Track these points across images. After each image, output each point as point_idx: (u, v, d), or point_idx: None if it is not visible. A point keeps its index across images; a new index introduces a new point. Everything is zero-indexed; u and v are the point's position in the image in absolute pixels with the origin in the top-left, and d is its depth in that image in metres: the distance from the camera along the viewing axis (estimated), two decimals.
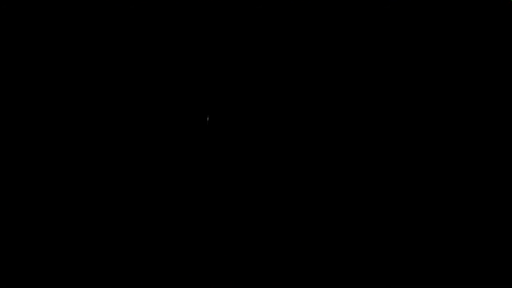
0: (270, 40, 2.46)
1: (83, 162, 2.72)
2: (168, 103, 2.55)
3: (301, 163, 2.74)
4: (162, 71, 2.53)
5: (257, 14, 2.44)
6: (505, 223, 1.94)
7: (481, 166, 2.06)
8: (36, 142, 2.62)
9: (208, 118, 2.57)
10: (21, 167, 2.61)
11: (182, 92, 2.56)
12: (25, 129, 2.60)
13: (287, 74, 2.44)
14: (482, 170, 2.05)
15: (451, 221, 2.23)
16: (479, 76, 2.01)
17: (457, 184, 2.16)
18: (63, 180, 2.68)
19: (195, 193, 2.69)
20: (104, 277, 2.42)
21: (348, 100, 2.45)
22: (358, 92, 2.52)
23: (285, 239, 2.53)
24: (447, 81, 2.21)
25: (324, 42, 2.42)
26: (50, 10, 2.56)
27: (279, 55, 2.47)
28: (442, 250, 2.29)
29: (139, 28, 2.52)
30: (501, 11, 1.87)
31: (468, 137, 2.11)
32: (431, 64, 2.28)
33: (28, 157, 2.62)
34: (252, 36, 2.45)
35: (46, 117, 2.58)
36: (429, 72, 2.30)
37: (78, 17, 2.53)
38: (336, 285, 2.38)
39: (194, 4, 2.48)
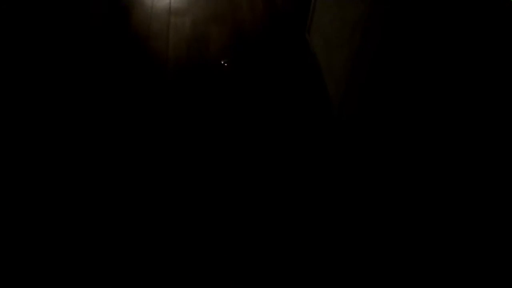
0: None
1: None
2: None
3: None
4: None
5: None
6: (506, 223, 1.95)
7: (481, 166, 2.07)
8: None
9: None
10: None
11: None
12: None
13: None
14: (482, 170, 2.06)
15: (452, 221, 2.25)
16: (479, 76, 2.00)
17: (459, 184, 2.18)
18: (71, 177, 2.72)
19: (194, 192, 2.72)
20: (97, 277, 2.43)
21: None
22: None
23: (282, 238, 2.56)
24: (447, 81, 2.21)
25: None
26: None
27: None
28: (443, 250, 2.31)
29: None
30: (501, 11, 1.84)
31: (467, 136, 2.12)
32: (431, 63, 2.29)
33: None
34: None
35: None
36: (428, 72, 2.31)
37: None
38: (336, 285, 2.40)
39: None
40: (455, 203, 2.18)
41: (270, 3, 4.51)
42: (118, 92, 3.35)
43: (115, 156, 2.91)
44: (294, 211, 2.69)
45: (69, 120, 3.09)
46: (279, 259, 2.47)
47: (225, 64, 3.75)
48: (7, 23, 2.73)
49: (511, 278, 1.93)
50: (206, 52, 3.82)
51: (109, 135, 3.03)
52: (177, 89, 3.41)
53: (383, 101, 2.76)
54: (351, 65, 2.89)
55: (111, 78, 3.46)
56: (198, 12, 4.28)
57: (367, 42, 2.71)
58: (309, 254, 2.49)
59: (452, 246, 2.21)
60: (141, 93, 3.35)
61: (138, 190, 2.74)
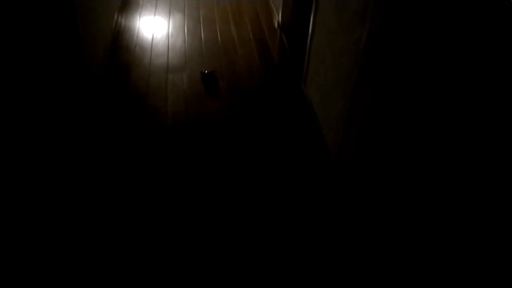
0: None
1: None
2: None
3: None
4: None
5: None
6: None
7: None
8: None
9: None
10: None
11: None
12: None
13: None
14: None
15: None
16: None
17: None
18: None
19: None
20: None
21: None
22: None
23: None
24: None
25: None
26: None
27: None
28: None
29: None
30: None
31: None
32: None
33: None
34: None
35: None
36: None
37: None
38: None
39: None
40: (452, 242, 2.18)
41: (266, 57, 4.61)
42: (119, 150, 3.38)
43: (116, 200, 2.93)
44: (293, 254, 2.68)
45: (69, 170, 3.12)
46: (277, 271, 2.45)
47: (205, 72, 4.21)
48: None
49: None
50: (204, 107, 3.87)
51: (109, 189, 3.05)
52: (176, 146, 3.45)
53: (381, 146, 2.78)
54: (347, 113, 2.93)
55: (111, 135, 3.51)
56: (195, 68, 4.36)
57: (361, 91, 2.77)
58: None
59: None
60: (141, 150, 3.39)
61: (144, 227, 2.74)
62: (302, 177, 3.22)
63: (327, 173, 3.25)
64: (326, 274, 2.63)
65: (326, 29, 3.38)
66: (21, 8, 2.82)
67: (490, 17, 1.91)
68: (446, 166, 2.23)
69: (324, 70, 3.46)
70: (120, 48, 4.65)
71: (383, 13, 2.48)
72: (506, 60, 1.82)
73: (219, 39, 4.88)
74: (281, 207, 2.99)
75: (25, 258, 2.55)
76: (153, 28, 5.06)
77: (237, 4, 5.66)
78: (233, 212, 2.95)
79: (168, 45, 4.72)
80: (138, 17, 5.28)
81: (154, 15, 5.33)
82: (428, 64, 2.32)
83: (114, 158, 3.29)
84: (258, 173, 3.23)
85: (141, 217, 2.89)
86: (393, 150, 2.70)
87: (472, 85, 2.05)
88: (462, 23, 2.07)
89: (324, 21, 3.45)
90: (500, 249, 1.90)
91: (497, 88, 1.89)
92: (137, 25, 5.11)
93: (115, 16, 5.07)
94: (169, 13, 5.37)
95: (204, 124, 3.68)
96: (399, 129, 2.61)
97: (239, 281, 2.57)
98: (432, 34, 2.28)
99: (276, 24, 5.16)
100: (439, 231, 2.29)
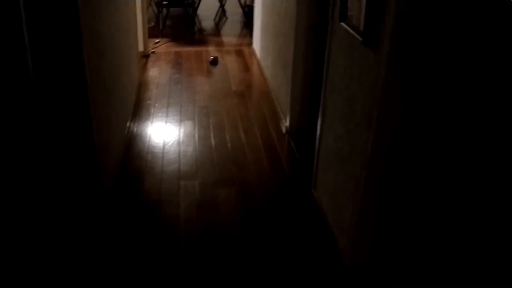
0: None
1: None
2: None
3: None
4: None
5: None
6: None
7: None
8: None
9: None
10: None
11: None
12: None
13: None
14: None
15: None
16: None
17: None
18: None
19: None
20: None
21: None
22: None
23: None
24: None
25: None
26: None
27: None
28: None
29: None
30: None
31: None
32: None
33: None
34: None
35: None
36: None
37: None
38: None
39: None
40: None
41: (275, 162, 4.70)
42: (130, 257, 3.39)
43: None
44: None
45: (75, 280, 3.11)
46: None
47: (211, 58, 6.22)
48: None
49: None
50: (216, 214, 3.91)
51: None
52: (188, 253, 3.45)
53: (394, 247, 2.79)
54: (357, 216, 2.96)
55: (123, 242, 3.53)
56: (206, 175, 4.44)
57: (371, 193, 2.81)
58: None
59: None
60: (152, 258, 3.39)
61: None
62: (314, 283, 3.19)
63: (339, 277, 3.22)
64: None
65: (333, 134, 3.48)
66: (42, 123, 2.94)
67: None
68: (466, 269, 2.23)
69: (333, 173, 3.53)
70: (133, 155, 4.76)
71: (389, 116, 2.57)
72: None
73: (229, 145, 5.00)
74: None
75: None
76: (165, 135, 5.20)
77: (245, 111, 5.84)
78: None
79: (179, 152, 4.84)
80: (149, 124, 5.45)
81: (166, 122, 5.50)
82: (436, 167, 2.38)
83: (125, 268, 3.29)
84: (270, 280, 3.21)
85: None
86: (407, 252, 2.70)
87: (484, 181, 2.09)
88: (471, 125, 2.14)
89: (331, 126, 3.56)
90: None
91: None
92: (149, 132, 5.26)
93: (128, 124, 5.22)
94: (180, 121, 5.53)
95: (216, 230, 3.71)
96: (411, 230, 2.63)
97: None
98: (436, 138, 2.35)
99: (284, 129, 5.30)
100: None
